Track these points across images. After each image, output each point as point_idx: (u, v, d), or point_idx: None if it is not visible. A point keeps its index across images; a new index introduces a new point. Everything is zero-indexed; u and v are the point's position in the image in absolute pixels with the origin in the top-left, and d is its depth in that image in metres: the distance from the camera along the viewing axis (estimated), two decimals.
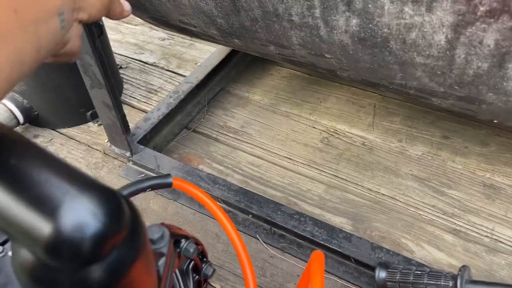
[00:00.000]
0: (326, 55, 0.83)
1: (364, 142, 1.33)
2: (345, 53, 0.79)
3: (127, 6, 0.52)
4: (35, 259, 0.30)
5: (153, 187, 0.78)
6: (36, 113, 1.36)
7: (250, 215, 1.09)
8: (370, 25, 0.67)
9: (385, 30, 0.67)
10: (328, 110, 1.43)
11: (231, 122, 1.43)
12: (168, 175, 0.77)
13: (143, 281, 0.37)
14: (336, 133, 1.36)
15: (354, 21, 0.68)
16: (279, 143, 1.34)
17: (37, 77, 1.28)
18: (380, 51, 0.72)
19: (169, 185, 0.78)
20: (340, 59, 0.83)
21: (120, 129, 1.11)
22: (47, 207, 0.28)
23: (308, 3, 0.69)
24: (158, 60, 1.69)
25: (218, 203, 1.02)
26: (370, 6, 0.63)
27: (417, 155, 1.29)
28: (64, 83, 1.31)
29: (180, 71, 1.63)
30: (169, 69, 1.65)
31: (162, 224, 0.67)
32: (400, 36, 0.66)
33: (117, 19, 0.51)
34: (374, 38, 0.70)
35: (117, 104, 1.06)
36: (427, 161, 1.27)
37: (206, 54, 1.69)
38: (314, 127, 1.38)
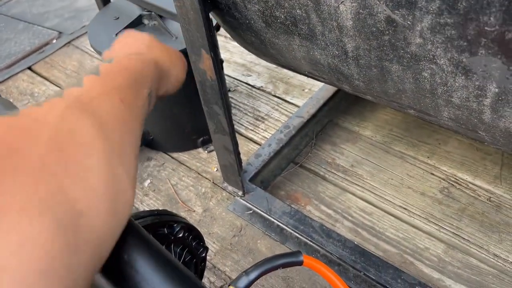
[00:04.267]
0: (480, 132, 0.75)
1: (490, 197, 1.21)
2: (507, 136, 0.70)
3: None
4: None
5: (284, 266, 0.76)
6: (151, 137, 1.42)
7: (363, 273, 1.04)
8: None
9: None
10: (449, 155, 1.32)
11: (339, 159, 1.38)
12: (298, 252, 0.74)
13: None
14: (457, 183, 1.25)
15: None
16: (393, 189, 1.27)
17: (156, 106, 1.32)
18: None
19: (299, 263, 0.75)
20: (497, 139, 0.74)
21: (236, 171, 1.11)
22: None
23: (478, 92, 0.62)
24: (266, 84, 1.67)
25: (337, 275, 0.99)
26: None
27: None
28: (180, 112, 1.34)
29: (288, 98, 1.61)
30: (276, 94, 1.63)
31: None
32: None
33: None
34: None
35: (236, 150, 1.05)
36: None
37: (313, 80, 1.63)
38: (432, 174, 1.29)
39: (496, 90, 0.59)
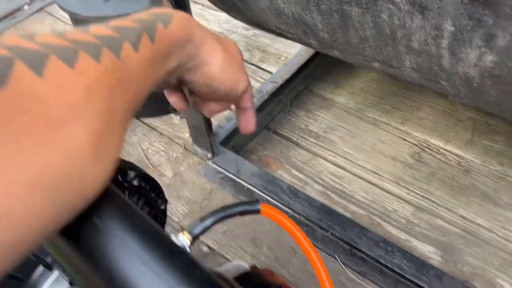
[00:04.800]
0: (442, 82, 0.74)
1: (460, 162, 1.21)
2: (467, 84, 0.70)
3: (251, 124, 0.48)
4: None
5: (241, 214, 0.75)
6: None
7: (330, 232, 1.03)
8: (510, 64, 0.58)
9: None
10: (422, 121, 1.32)
11: (313, 125, 1.37)
12: (256, 202, 0.73)
13: None
14: (429, 148, 1.25)
15: (490, 58, 0.59)
16: (365, 154, 1.26)
17: None
18: None
19: (257, 212, 0.74)
20: (458, 88, 0.73)
21: (205, 132, 1.09)
22: None
23: (436, 32, 0.60)
24: (242, 52, 1.64)
25: (303, 232, 0.98)
26: None
27: None
28: None
29: (263, 66, 1.58)
30: (252, 62, 1.60)
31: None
32: None
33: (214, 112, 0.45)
34: (510, 77, 0.60)
35: None
36: None
37: (291, 48, 1.62)
38: (404, 139, 1.28)
39: (452, 28, 0.58)
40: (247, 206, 0.77)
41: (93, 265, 0.27)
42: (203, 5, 1.89)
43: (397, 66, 0.78)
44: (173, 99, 0.44)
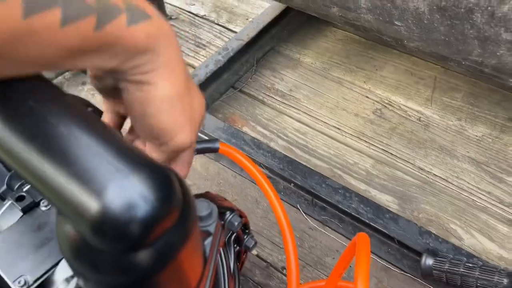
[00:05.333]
0: (396, 22, 0.76)
1: (420, 117, 1.25)
2: (418, 22, 0.71)
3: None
4: (79, 235, 0.28)
5: (200, 151, 0.76)
6: None
7: (292, 184, 1.05)
8: None
9: (472, 0, 0.58)
10: (384, 80, 1.35)
11: (279, 84, 1.37)
12: (215, 140, 0.74)
13: (189, 264, 0.34)
14: (390, 105, 1.28)
15: None
16: (328, 111, 1.28)
17: None
18: (461, 23, 0.64)
19: (215, 150, 0.75)
20: (411, 28, 0.75)
21: None
22: (95, 183, 0.26)
23: None
24: (209, 13, 1.63)
25: (261, 169, 1.00)
26: None
27: (476, 136, 1.19)
28: None
29: (230, 26, 1.57)
30: (219, 23, 1.59)
31: (208, 193, 0.64)
32: (489, 8, 0.58)
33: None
34: (456, 8, 0.62)
35: None
36: (487, 144, 1.18)
37: (258, 9, 1.61)
38: (367, 97, 1.31)
39: None
40: (206, 144, 0.78)
41: (28, 143, 0.27)
42: None
43: (354, 8, 0.79)
44: (105, 104, 0.38)
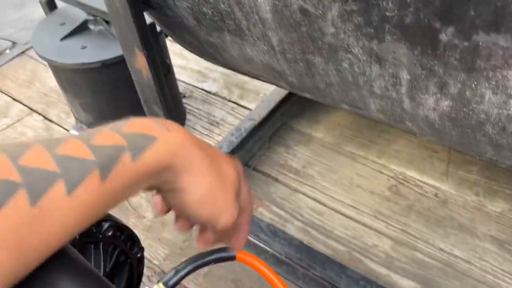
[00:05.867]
0: (406, 122, 0.77)
1: (436, 193, 1.23)
2: (430, 126, 0.72)
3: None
4: None
5: (216, 261, 0.75)
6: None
7: (311, 272, 1.03)
8: (465, 109, 0.60)
9: (482, 116, 0.59)
10: (398, 154, 1.35)
11: (292, 161, 1.38)
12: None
13: None
14: (406, 180, 1.27)
15: (446, 103, 0.61)
16: (343, 189, 1.28)
17: (100, 96, 1.31)
18: (473, 131, 0.65)
19: (232, 258, 0.75)
20: (423, 128, 0.75)
21: None
22: None
23: (394, 80, 0.63)
24: (221, 90, 1.68)
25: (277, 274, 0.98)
26: (467, 93, 0.56)
27: (496, 212, 1.17)
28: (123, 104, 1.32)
29: (242, 102, 1.61)
30: (231, 99, 1.63)
31: None
32: (500, 124, 0.59)
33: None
34: (467, 120, 0.63)
35: None
36: (507, 220, 1.15)
37: (269, 85, 1.64)
38: (381, 172, 1.31)
39: (408, 77, 0.61)
40: (222, 253, 0.77)
41: None
42: None
43: (364, 108, 0.81)
44: (156, 199, 0.41)
